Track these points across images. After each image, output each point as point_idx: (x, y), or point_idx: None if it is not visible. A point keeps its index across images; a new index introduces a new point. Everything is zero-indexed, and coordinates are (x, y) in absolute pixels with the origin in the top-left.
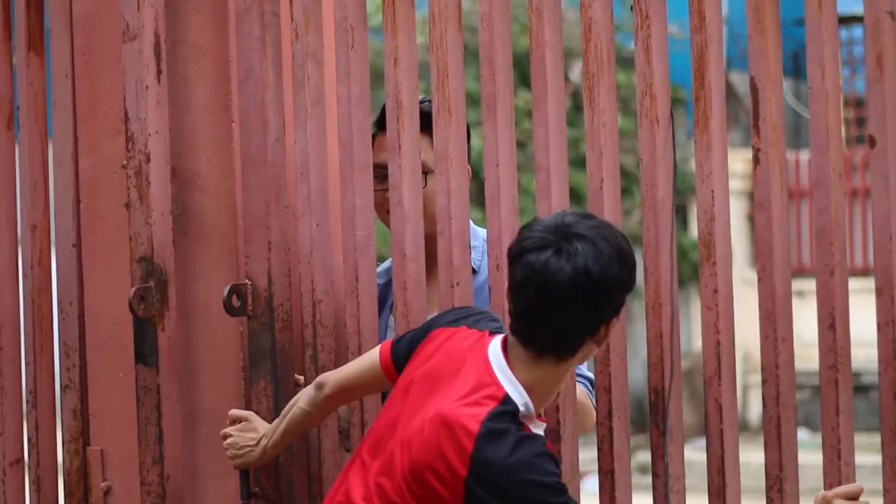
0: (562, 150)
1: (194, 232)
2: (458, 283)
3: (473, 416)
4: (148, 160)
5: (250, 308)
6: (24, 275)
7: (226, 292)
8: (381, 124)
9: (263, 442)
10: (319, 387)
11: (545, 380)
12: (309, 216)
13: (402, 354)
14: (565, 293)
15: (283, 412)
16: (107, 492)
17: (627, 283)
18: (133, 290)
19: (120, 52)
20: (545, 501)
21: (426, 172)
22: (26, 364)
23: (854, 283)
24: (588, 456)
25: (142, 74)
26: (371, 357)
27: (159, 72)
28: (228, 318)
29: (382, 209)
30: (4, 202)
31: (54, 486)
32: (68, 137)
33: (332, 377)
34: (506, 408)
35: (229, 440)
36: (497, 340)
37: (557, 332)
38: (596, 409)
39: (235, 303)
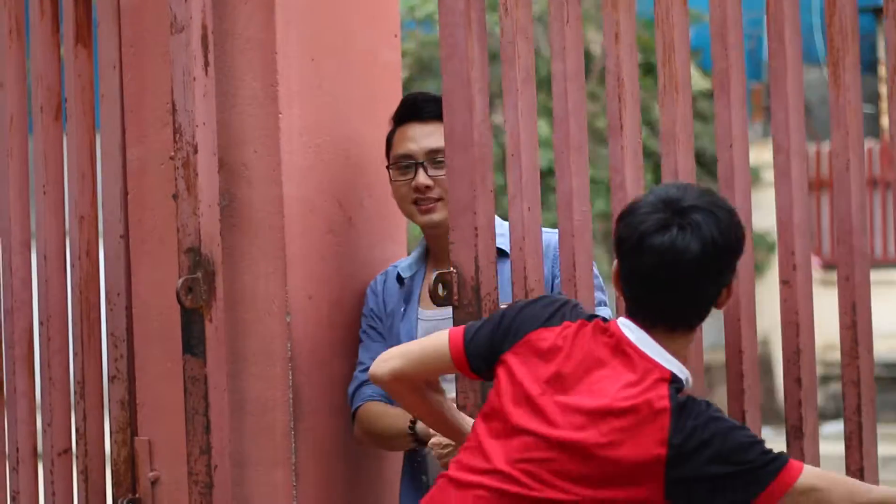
0: (801, 130)
1: (241, 223)
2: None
3: (659, 398)
4: (195, 151)
5: (456, 297)
6: (72, 266)
7: (432, 281)
8: (401, 118)
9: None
10: (397, 378)
11: (680, 351)
12: (520, 199)
13: (478, 351)
14: (696, 268)
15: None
16: (154, 482)
17: (743, 245)
18: (180, 280)
19: (167, 43)
20: (750, 447)
21: (442, 161)
22: (74, 355)
23: (875, 275)
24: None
25: (189, 66)
26: (440, 346)
27: (206, 63)
28: (275, 309)
29: (406, 201)
30: (52, 193)
31: (102, 476)
32: (116, 129)
33: (397, 364)
34: (677, 385)
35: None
36: (626, 324)
37: (691, 305)
38: None
39: (441, 292)
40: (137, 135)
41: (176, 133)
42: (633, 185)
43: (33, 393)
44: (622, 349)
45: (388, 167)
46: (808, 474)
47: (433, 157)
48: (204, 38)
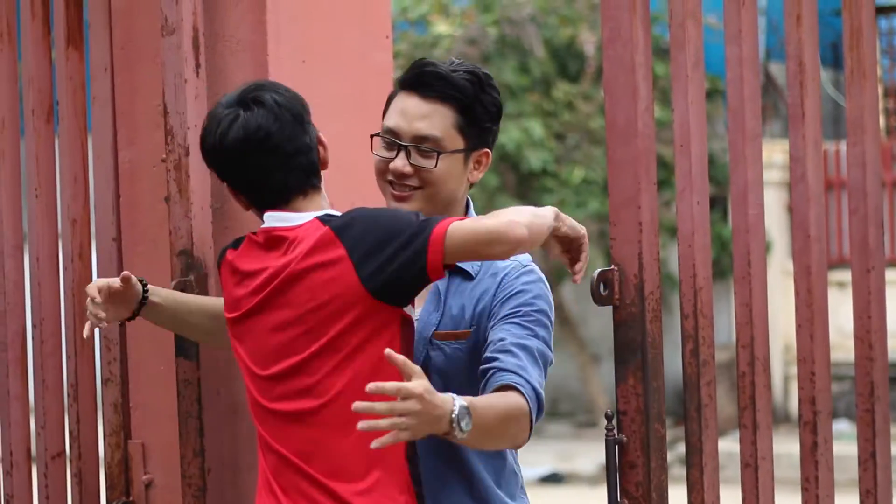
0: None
1: (234, 225)
2: (873, 268)
3: (317, 229)
4: (187, 154)
5: (617, 296)
6: (65, 268)
7: (593, 279)
8: (408, 83)
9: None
10: None
11: (321, 203)
12: (689, 193)
13: None
14: (274, 139)
15: None
16: (148, 485)
17: (303, 106)
18: (173, 283)
19: (158, 46)
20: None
21: (439, 152)
22: (67, 358)
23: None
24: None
25: (180, 68)
26: None
27: (198, 65)
28: None
29: (381, 177)
30: (45, 196)
31: (96, 480)
32: (108, 131)
33: None
34: (326, 217)
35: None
36: (267, 216)
37: (293, 173)
38: (535, 421)
39: (602, 291)
40: (129, 137)
41: (168, 135)
42: (815, 177)
43: (27, 396)
44: (268, 242)
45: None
46: (455, 225)
47: (419, 145)
48: (195, 40)
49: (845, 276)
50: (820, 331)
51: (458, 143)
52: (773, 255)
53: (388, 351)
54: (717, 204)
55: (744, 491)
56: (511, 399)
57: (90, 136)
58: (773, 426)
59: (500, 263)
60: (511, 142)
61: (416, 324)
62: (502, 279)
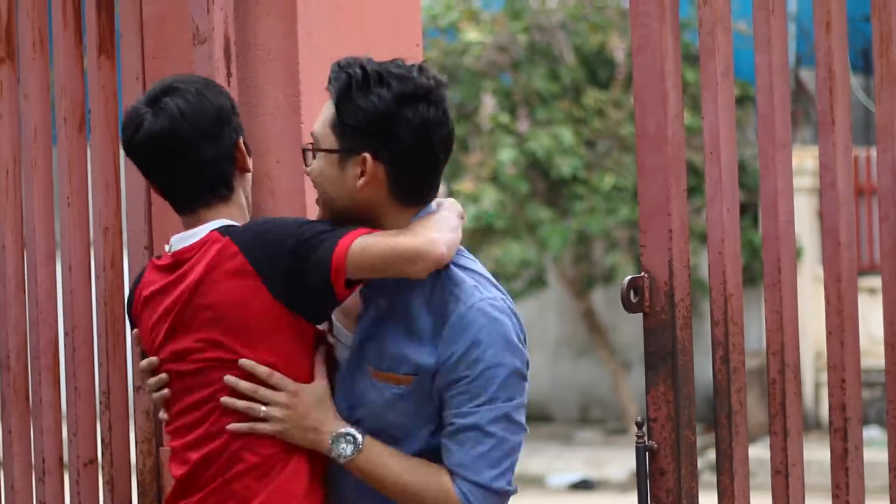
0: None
1: None
2: None
3: (214, 242)
4: None
5: (647, 304)
6: (97, 277)
7: (624, 286)
8: None
9: None
10: None
11: (229, 212)
12: (720, 200)
13: None
14: (179, 143)
15: None
16: None
17: (223, 108)
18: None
19: (190, 54)
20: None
21: (314, 151)
22: (99, 365)
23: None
24: None
25: (212, 77)
26: None
27: (229, 74)
28: None
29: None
30: (77, 205)
31: (127, 487)
32: None
33: None
34: (223, 229)
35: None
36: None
37: (200, 178)
38: None
39: (633, 298)
40: None
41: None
42: (845, 184)
43: (59, 403)
44: (172, 265)
45: None
46: (362, 240)
47: (308, 144)
48: (226, 49)
49: (876, 282)
50: (850, 337)
51: (331, 142)
52: (804, 261)
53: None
54: (748, 210)
55: (774, 498)
56: (435, 479)
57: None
58: (804, 433)
59: (451, 296)
60: (541, 149)
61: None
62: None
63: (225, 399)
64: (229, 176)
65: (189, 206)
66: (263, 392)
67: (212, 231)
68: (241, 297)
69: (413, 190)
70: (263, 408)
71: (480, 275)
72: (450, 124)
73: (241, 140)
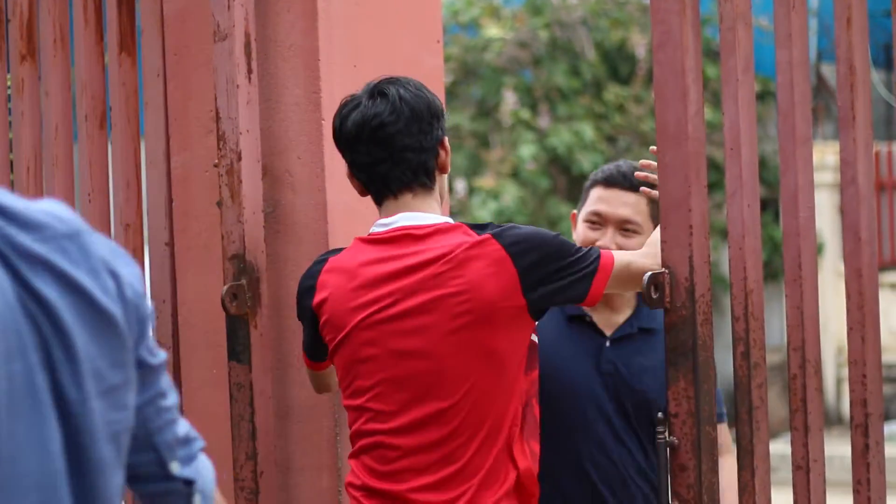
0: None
1: (286, 230)
2: None
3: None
4: (239, 158)
5: (668, 299)
6: None
7: (644, 282)
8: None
9: None
10: None
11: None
12: (740, 196)
13: None
14: (395, 130)
15: None
16: None
17: (437, 107)
18: (225, 287)
19: (211, 51)
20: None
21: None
22: None
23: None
24: None
25: (233, 74)
26: None
27: (250, 71)
28: None
29: None
30: (98, 201)
31: None
32: (160, 137)
33: None
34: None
35: None
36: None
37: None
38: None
39: (653, 293)
40: (181, 142)
41: (220, 140)
42: (866, 180)
43: None
44: (395, 237)
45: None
46: (621, 257)
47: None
48: (247, 45)
49: None
50: (871, 333)
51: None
52: (824, 256)
53: None
54: (769, 206)
55: (795, 493)
56: None
57: (143, 141)
58: (825, 428)
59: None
60: (562, 145)
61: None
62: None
63: None
64: (432, 168)
65: (394, 191)
66: None
67: (457, 223)
68: (495, 286)
69: None
70: None
71: None
72: None
73: (446, 139)
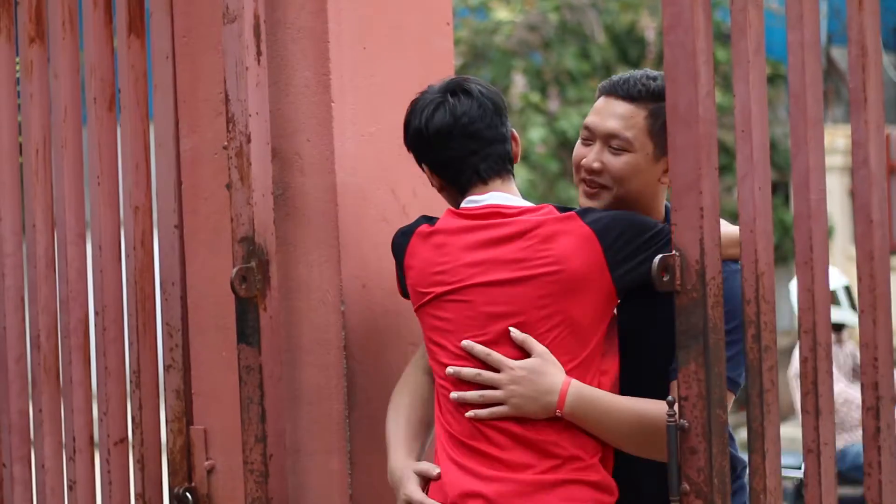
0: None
1: (295, 212)
2: None
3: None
4: (248, 141)
5: (678, 282)
6: (127, 256)
7: (655, 264)
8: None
9: None
10: None
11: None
12: (751, 178)
13: None
14: (476, 123)
15: None
16: (210, 470)
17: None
18: (235, 270)
19: (220, 33)
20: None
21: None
22: (129, 344)
23: None
24: None
25: (242, 56)
26: None
27: (259, 53)
28: (329, 298)
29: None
30: (107, 184)
31: (158, 465)
32: (169, 119)
33: None
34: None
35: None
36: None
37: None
38: None
39: (664, 276)
40: (191, 125)
41: (229, 123)
42: (878, 162)
43: (89, 382)
44: (493, 213)
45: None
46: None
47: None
48: (256, 27)
49: None
50: (882, 316)
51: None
52: (834, 240)
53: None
54: (778, 189)
55: (806, 476)
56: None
57: (152, 123)
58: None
59: None
60: (572, 128)
61: None
62: None
63: (454, 394)
64: (511, 156)
65: (483, 179)
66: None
67: (548, 206)
68: (582, 258)
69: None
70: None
71: None
72: None
73: (513, 130)
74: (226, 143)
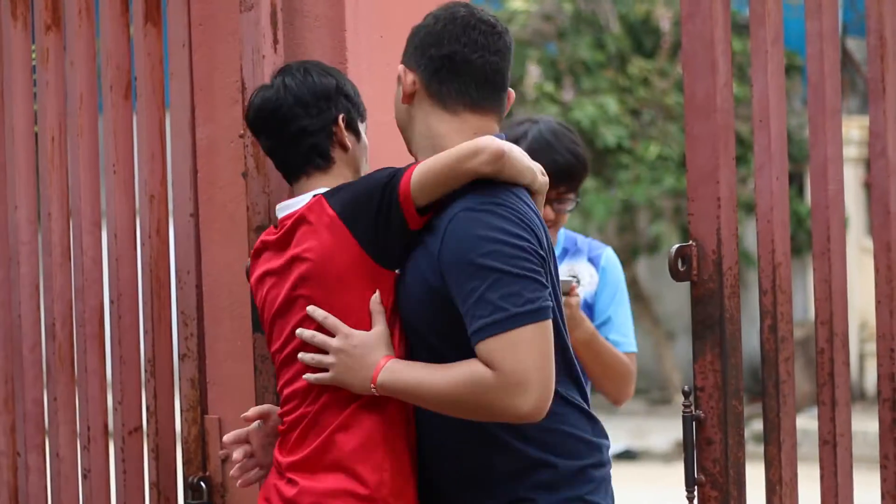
0: None
1: None
2: None
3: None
4: None
5: (695, 272)
6: (143, 244)
7: (671, 255)
8: None
9: None
10: None
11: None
12: (769, 168)
13: None
14: (284, 114)
15: None
16: (224, 459)
17: (329, 88)
18: (250, 259)
19: (236, 21)
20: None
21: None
22: (144, 333)
23: None
24: None
25: (258, 44)
26: None
27: (276, 41)
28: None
29: None
30: (122, 172)
31: (172, 455)
32: (185, 107)
33: None
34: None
35: None
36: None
37: (302, 149)
38: None
39: (680, 266)
40: (207, 113)
41: (245, 111)
42: None
43: (104, 371)
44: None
45: None
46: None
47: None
48: (273, 15)
49: None
50: None
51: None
52: (849, 231)
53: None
54: (793, 180)
55: (822, 468)
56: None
57: (168, 112)
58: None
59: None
60: (586, 118)
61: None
62: None
63: (302, 355)
64: (325, 148)
65: (293, 175)
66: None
67: (317, 196)
68: (332, 250)
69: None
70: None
71: None
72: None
73: (341, 117)
74: (242, 132)
